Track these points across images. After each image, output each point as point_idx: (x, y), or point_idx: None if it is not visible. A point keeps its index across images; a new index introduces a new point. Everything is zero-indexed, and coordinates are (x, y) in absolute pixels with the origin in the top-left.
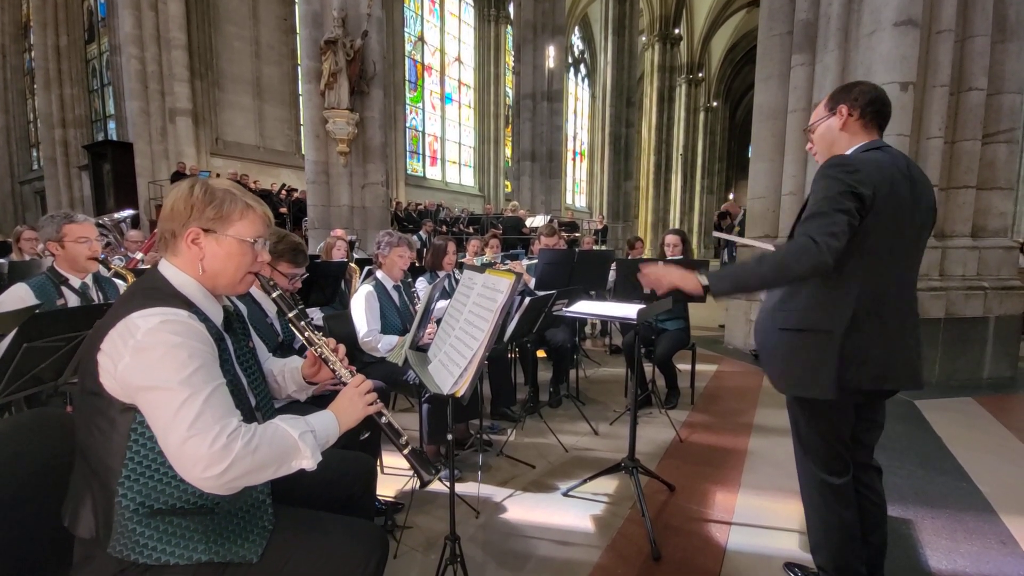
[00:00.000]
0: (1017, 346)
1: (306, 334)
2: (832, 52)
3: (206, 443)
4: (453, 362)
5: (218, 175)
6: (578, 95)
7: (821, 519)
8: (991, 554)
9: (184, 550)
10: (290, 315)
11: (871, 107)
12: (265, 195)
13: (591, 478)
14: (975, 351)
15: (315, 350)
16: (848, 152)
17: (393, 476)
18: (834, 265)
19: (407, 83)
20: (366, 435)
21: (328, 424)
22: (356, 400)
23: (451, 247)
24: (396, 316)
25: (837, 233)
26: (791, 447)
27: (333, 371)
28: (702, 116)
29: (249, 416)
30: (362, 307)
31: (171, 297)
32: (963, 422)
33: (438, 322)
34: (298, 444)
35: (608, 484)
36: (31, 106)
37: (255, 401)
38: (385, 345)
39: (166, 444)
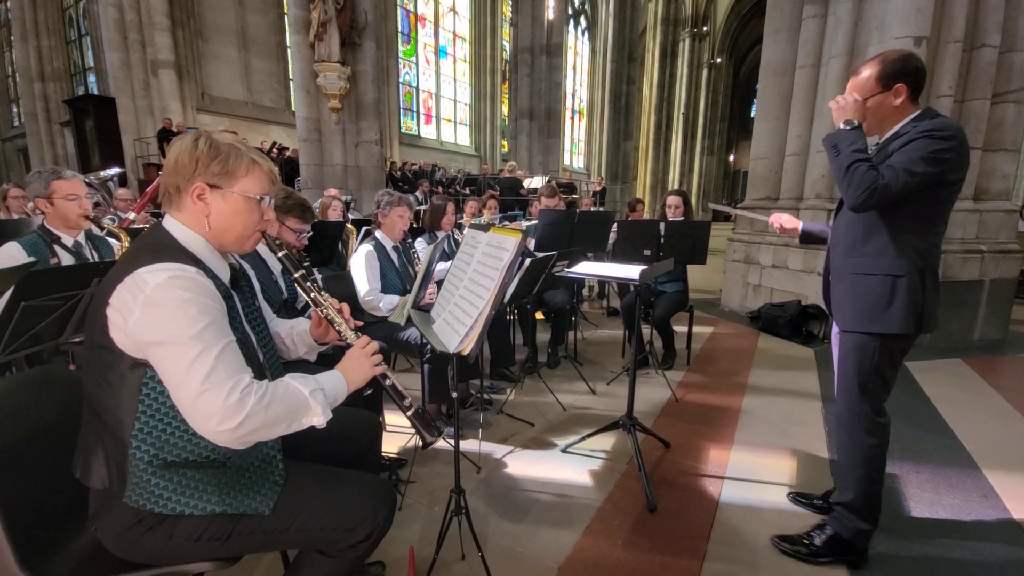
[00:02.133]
0: (1009, 309)
1: (312, 295)
2: (845, 3)
3: (220, 397)
4: (459, 320)
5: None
6: (578, 49)
7: (863, 456)
8: (972, 506)
9: (198, 501)
10: (296, 275)
11: (919, 83)
12: None
13: (590, 435)
14: (968, 314)
15: (320, 311)
16: (910, 119)
17: (396, 433)
18: (882, 205)
19: (400, 35)
20: (369, 392)
21: (337, 383)
22: (363, 361)
23: (450, 207)
24: (396, 276)
25: (890, 186)
26: (784, 406)
27: (339, 332)
28: (705, 73)
29: (259, 373)
30: (362, 266)
31: (179, 253)
32: (951, 382)
33: (438, 284)
34: (309, 401)
35: (606, 441)
36: (9, 59)
37: (263, 359)
38: (387, 305)
39: (180, 399)
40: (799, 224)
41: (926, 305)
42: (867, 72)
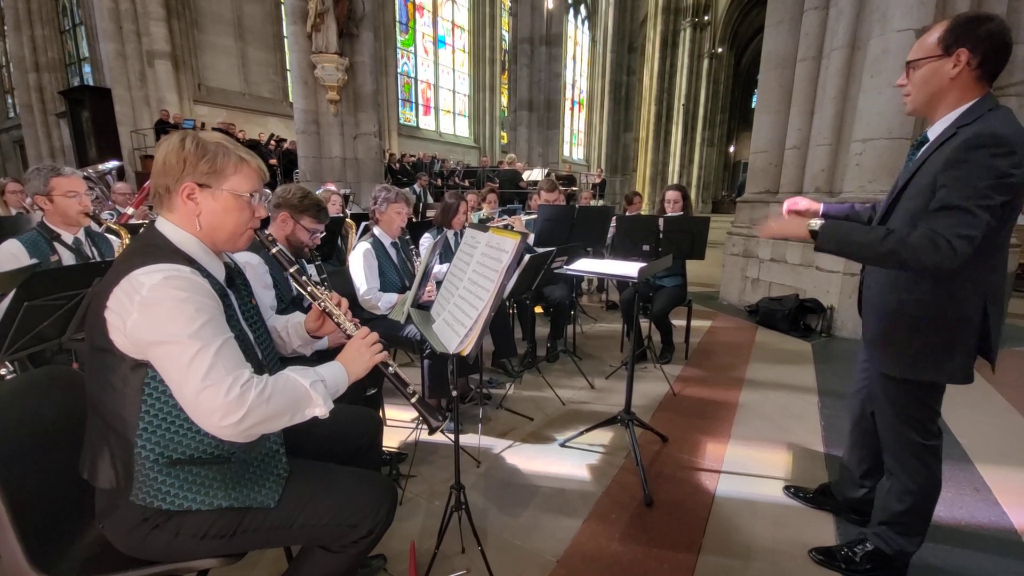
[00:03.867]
0: (1007, 302)
1: (309, 288)
2: None
3: (221, 393)
4: (458, 321)
5: (203, 124)
6: (577, 39)
7: (915, 481)
8: (964, 500)
9: (205, 496)
10: (291, 270)
11: (996, 56)
12: (253, 145)
13: (588, 430)
14: None
15: (319, 304)
16: (965, 111)
17: (396, 428)
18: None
19: (398, 24)
20: (372, 391)
21: (337, 374)
22: (363, 351)
23: (463, 206)
24: (395, 274)
25: (973, 237)
26: (780, 400)
27: (338, 324)
28: (706, 63)
29: (258, 370)
30: (360, 265)
31: (172, 253)
32: None
33: (437, 284)
34: (309, 392)
35: (604, 435)
36: (2, 49)
37: (262, 356)
38: (385, 303)
39: (182, 396)
40: (819, 207)
41: (992, 342)
42: (935, 33)
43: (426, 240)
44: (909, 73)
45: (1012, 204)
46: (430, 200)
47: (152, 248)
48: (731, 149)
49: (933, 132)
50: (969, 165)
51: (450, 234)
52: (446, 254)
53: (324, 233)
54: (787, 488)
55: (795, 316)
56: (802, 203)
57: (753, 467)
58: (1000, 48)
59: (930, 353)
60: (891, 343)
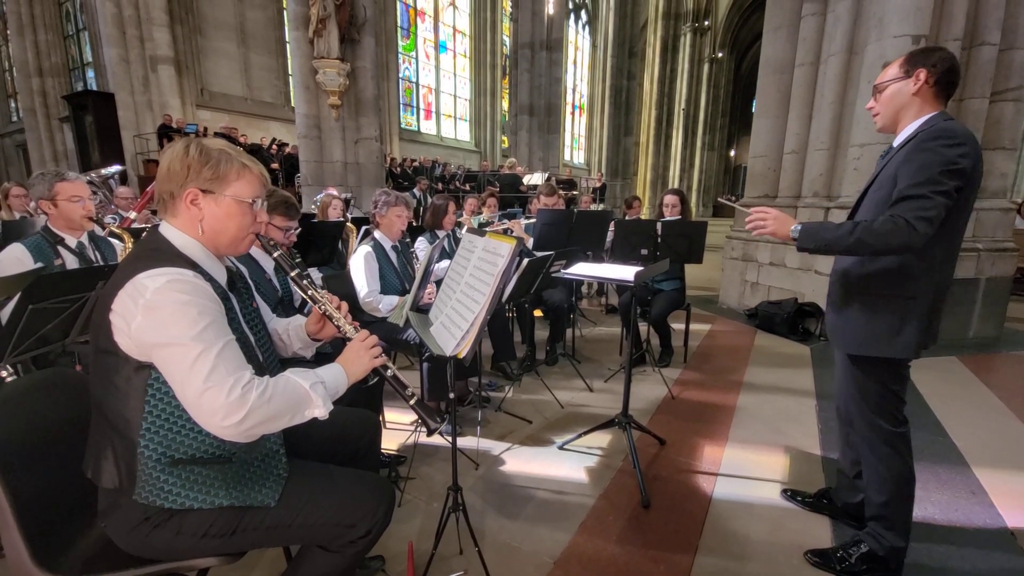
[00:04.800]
0: (1005, 307)
1: (309, 292)
2: (844, 1)
3: (223, 394)
4: (455, 324)
5: (206, 128)
6: (578, 44)
7: (889, 469)
8: (960, 503)
9: (206, 495)
10: (292, 274)
11: (947, 76)
12: (255, 150)
13: (586, 432)
14: (963, 311)
15: (319, 307)
16: (924, 120)
17: (395, 431)
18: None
19: (399, 30)
20: (374, 380)
21: (337, 375)
22: (362, 353)
23: (451, 207)
24: (395, 277)
25: (932, 218)
26: (779, 403)
27: (338, 327)
28: (706, 68)
29: (259, 371)
30: (361, 268)
31: (175, 258)
32: (945, 380)
33: (438, 283)
34: (309, 394)
35: (602, 438)
36: (5, 54)
37: (262, 358)
38: (386, 306)
39: (184, 397)
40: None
41: (933, 325)
42: (895, 64)
43: (420, 243)
44: (876, 96)
45: (964, 193)
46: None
47: (156, 252)
48: (732, 153)
49: (897, 141)
50: (923, 155)
51: (443, 235)
52: (442, 253)
53: (299, 229)
54: (785, 491)
55: (794, 320)
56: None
57: (751, 470)
58: (951, 70)
59: (885, 330)
60: (849, 322)
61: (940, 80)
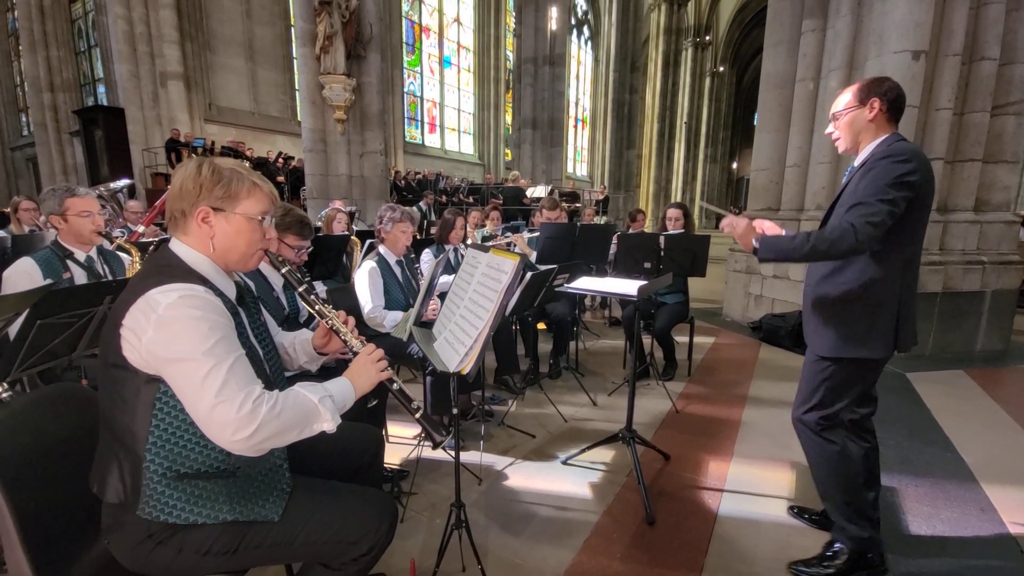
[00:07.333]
0: (1011, 320)
1: (316, 307)
2: (844, 17)
3: (233, 409)
4: (459, 340)
5: (213, 143)
6: (581, 59)
7: (827, 461)
8: (969, 520)
9: (211, 510)
10: (300, 290)
11: (896, 103)
12: (262, 163)
13: (589, 447)
14: (969, 324)
15: (326, 322)
16: (880, 142)
17: (398, 445)
18: (875, 248)
19: (404, 46)
20: (374, 403)
21: (344, 389)
22: (369, 367)
23: (459, 222)
24: (399, 292)
25: (876, 223)
26: (784, 418)
27: (344, 342)
28: (708, 82)
29: (267, 385)
30: (366, 283)
31: (186, 274)
32: (953, 394)
33: (442, 296)
34: (318, 408)
35: (606, 453)
36: (17, 69)
37: (270, 372)
38: (390, 321)
39: (195, 411)
40: (781, 232)
41: (906, 327)
42: (849, 92)
43: (426, 255)
44: (834, 123)
45: (915, 205)
46: (434, 218)
47: (167, 268)
48: (734, 165)
49: (858, 160)
50: (875, 171)
51: (450, 249)
52: (446, 267)
53: (311, 248)
54: (792, 508)
55: (798, 333)
56: (768, 228)
57: (757, 486)
58: (898, 97)
59: (856, 334)
60: (821, 327)
61: (891, 106)
